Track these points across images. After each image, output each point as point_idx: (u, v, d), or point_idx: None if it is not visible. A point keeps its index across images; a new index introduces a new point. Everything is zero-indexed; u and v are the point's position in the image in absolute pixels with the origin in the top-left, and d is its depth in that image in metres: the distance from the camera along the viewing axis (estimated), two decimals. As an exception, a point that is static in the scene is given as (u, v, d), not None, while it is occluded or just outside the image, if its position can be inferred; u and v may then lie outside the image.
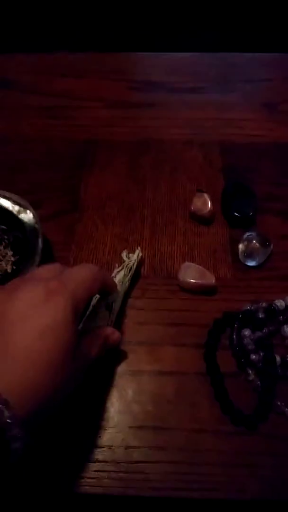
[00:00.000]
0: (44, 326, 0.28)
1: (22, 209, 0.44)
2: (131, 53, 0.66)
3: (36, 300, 0.29)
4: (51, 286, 0.30)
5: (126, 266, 0.43)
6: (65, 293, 0.30)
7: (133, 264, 0.44)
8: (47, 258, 0.44)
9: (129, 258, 0.44)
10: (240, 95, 0.62)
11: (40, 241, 0.41)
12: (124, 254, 0.45)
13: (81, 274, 0.33)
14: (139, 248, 0.45)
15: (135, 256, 0.44)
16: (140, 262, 0.45)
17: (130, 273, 0.43)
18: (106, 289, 0.37)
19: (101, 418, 0.36)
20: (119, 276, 0.43)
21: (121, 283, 0.42)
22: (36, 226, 0.42)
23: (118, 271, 0.43)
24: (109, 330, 0.37)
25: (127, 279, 0.43)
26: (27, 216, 0.43)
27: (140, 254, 0.45)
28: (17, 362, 0.27)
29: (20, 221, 0.43)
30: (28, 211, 0.43)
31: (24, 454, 0.26)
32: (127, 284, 0.42)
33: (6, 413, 0.24)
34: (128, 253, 0.45)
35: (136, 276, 0.44)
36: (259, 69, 0.65)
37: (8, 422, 0.24)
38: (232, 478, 0.34)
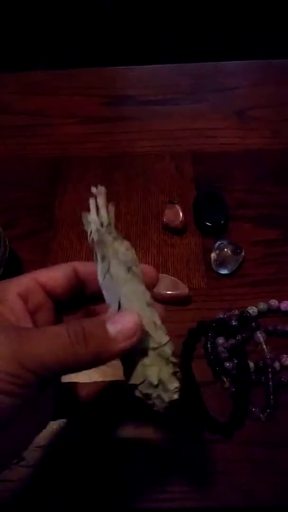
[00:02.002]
0: None
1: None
2: (101, 68, 0.67)
3: None
4: None
5: (96, 237, 0.26)
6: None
7: (104, 221, 0.27)
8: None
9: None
10: (209, 104, 0.63)
11: (1, 250, 0.41)
12: (84, 218, 0.27)
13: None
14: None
15: (100, 206, 0.27)
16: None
17: (113, 243, 0.26)
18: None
19: (78, 435, 0.37)
20: (100, 266, 0.25)
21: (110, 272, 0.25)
22: None
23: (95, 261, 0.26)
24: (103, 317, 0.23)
25: (112, 254, 0.26)
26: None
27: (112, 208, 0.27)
28: None
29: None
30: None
31: None
32: (124, 259, 0.26)
33: None
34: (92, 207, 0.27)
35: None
36: (227, 78, 0.66)
37: None
38: (209, 486, 0.34)
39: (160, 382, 0.23)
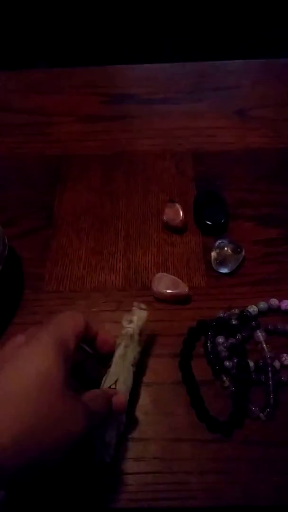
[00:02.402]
0: (27, 364, 0.27)
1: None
2: (101, 67, 0.67)
3: (18, 343, 0.29)
4: (31, 331, 0.30)
5: (125, 334, 0.37)
6: (45, 330, 0.30)
7: (134, 330, 0.37)
8: (16, 274, 0.45)
9: (131, 321, 0.38)
10: (210, 103, 0.63)
11: (0, 248, 0.41)
12: (124, 320, 0.38)
13: (59, 316, 0.32)
14: (142, 306, 0.39)
15: (135, 319, 0.38)
16: (144, 326, 0.38)
17: (133, 344, 0.37)
18: (97, 337, 0.34)
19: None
20: (119, 351, 0.36)
21: (123, 357, 0.36)
22: None
23: (118, 344, 0.36)
24: (114, 392, 0.33)
25: (129, 351, 0.36)
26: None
27: (145, 315, 0.38)
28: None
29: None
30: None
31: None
32: (132, 357, 0.36)
33: None
34: (131, 316, 0.38)
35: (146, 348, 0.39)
36: (228, 77, 0.66)
37: None
38: (209, 485, 0.34)
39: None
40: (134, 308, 0.39)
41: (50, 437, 0.26)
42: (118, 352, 0.36)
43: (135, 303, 0.39)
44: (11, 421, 0.25)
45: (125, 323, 0.38)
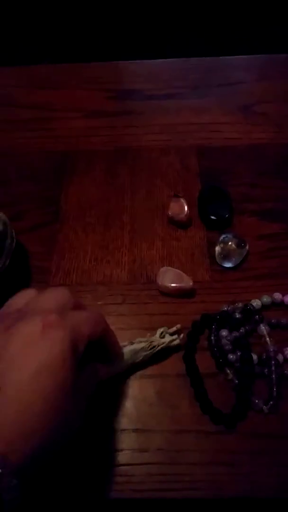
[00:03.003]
0: (40, 364, 0.27)
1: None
2: (106, 62, 0.67)
3: (32, 336, 0.28)
4: (49, 319, 0.28)
5: (151, 342, 0.39)
6: (63, 326, 0.28)
7: (159, 346, 0.39)
8: (23, 268, 0.46)
9: (162, 336, 0.40)
10: (215, 99, 0.63)
11: (8, 242, 0.42)
12: (159, 331, 0.41)
13: (82, 313, 0.32)
14: (179, 329, 0.41)
15: (166, 339, 0.40)
16: (176, 346, 0.40)
17: (150, 351, 0.39)
18: (107, 344, 0.34)
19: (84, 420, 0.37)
20: (136, 345, 0.39)
21: (133, 352, 0.39)
22: (3, 227, 0.43)
23: (140, 341, 0.39)
24: (97, 365, 0.34)
25: (143, 353, 0.39)
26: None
27: (177, 341, 0.40)
28: (11, 406, 0.25)
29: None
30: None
31: (22, 502, 0.25)
32: (140, 357, 0.39)
33: None
34: (169, 332, 0.41)
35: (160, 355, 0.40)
36: (232, 73, 0.66)
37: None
38: (212, 477, 0.35)
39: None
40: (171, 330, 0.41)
41: (54, 434, 0.27)
42: (133, 346, 0.38)
43: (178, 326, 0.41)
44: (16, 416, 0.25)
45: (158, 334, 0.40)
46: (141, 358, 0.39)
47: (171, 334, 0.40)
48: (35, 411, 0.26)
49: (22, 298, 0.33)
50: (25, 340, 0.28)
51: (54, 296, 0.32)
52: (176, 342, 0.40)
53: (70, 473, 0.35)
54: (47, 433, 0.26)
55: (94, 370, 0.33)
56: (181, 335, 0.40)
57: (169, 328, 0.41)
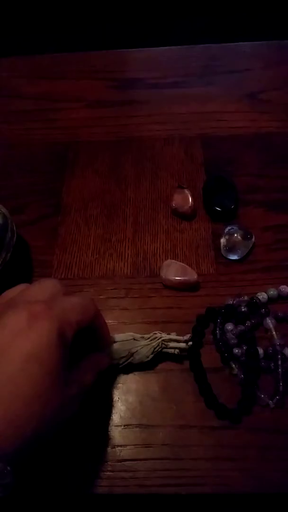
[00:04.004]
0: (27, 353, 0.27)
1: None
2: (108, 51, 0.66)
3: (19, 326, 0.28)
4: (35, 310, 0.28)
5: (156, 340, 0.38)
6: (49, 316, 0.28)
7: (160, 348, 0.38)
8: (25, 262, 0.45)
9: (165, 345, 0.38)
10: (221, 87, 0.61)
11: (8, 236, 0.41)
12: (172, 334, 0.39)
13: (70, 301, 0.31)
14: (188, 338, 0.39)
15: (171, 345, 0.38)
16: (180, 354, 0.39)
17: (151, 353, 0.38)
18: (97, 330, 0.34)
19: (86, 418, 0.37)
20: (140, 348, 0.38)
21: (134, 351, 0.38)
22: (3, 220, 0.42)
23: (145, 339, 0.38)
24: (98, 355, 0.35)
25: (144, 352, 0.38)
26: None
27: (183, 346, 0.38)
28: (0, 396, 0.26)
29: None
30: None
31: (15, 486, 0.25)
32: (140, 356, 0.38)
33: None
34: (177, 340, 0.39)
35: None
36: (238, 60, 0.64)
37: None
38: (218, 472, 0.34)
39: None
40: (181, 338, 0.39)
41: (46, 420, 0.27)
42: (138, 350, 0.38)
43: (187, 336, 0.39)
44: (6, 404, 0.26)
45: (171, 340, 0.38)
46: (139, 356, 0.38)
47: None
48: (25, 402, 0.26)
49: (12, 292, 0.33)
50: (13, 330, 0.28)
51: (43, 287, 0.32)
52: (177, 349, 0.39)
53: (75, 469, 0.35)
54: (38, 420, 0.27)
55: (94, 360, 0.34)
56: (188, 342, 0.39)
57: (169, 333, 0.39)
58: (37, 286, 0.33)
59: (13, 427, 0.25)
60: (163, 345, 0.38)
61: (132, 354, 0.38)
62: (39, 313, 0.28)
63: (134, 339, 0.38)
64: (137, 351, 0.38)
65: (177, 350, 0.38)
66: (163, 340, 0.38)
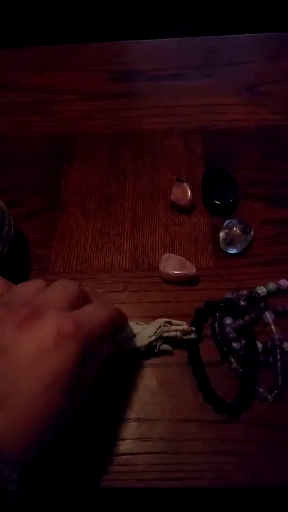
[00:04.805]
0: (52, 375, 0.26)
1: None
2: (107, 42, 0.65)
3: (46, 342, 0.27)
4: (64, 328, 0.27)
5: (161, 329, 0.38)
6: (78, 337, 0.28)
7: (162, 330, 0.38)
8: (22, 256, 0.45)
9: (167, 328, 0.38)
10: (220, 79, 0.61)
11: (5, 229, 0.41)
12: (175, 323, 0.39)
13: (98, 316, 0.31)
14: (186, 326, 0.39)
15: (173, 328, 0.38)
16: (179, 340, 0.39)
17: (153, 334, 0.38)
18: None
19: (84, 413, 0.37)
20: (144, 332, 0.38)
21: (137, 337, 0.38)
22: (0, 214, 0.42)
23: (166, 325, 0.38)
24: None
25: (148, 339, 0.38)
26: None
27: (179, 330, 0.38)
28: (16, 414, 0.25)
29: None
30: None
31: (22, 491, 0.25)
32: (143, 342, 0.38)
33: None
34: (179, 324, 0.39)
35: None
36: (239, 52, 0.63)
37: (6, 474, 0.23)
38: (216, 466, 0.34)
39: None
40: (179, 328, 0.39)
41: (57, 436, 0.27)
42: (142, 334, 0.38)
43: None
44: (22, 424, 0.25)
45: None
46: (143, 342, 0.38)
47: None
48: (43, 425, 0.26)
49: (29, 289, 0.32)
50: (38, 346, 0.27)
51: (64, 290, 0.31)
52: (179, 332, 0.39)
53: (73, 463, 0.35)
54: (52, 436, 0.27)
55: (98, 360, 0.33)
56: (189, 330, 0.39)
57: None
58: (58, 287, 0.32)
59: (27, 447, 0.25)
60: (165, 327, 0.38)
61: (135, 335, 0.38)
62: (68, 333, 0.27)
63: (136, 323, 0.39)
64: (139, 333, 0.38)
65: (179, 333, 0.38)
66: (165, 322, 0.38)
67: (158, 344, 0.38)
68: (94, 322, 0.30)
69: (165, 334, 0.38)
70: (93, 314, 0.31)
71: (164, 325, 0.38)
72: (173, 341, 0.38)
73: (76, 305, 0.31)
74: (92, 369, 0.30)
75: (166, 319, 0.38)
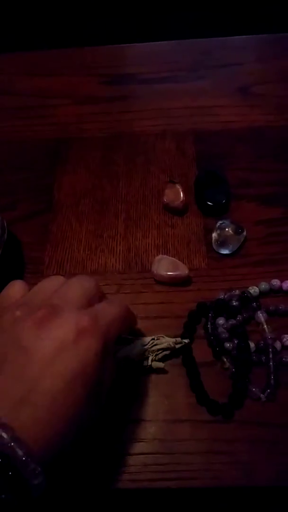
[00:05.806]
0: (72, 371, 0.27)
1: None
2: (100, 47, 0.65)
3: (65, 339, 0.28)
4: (82, 324, 0.28)
5: (165, 344, 0.38)
6: (96, 333, 0.28)
7: (154, 344, 0.38)
8: (16, 258, 0.45)
9: (159, 342, 0.39)
10: (212, 81, 0.61)
11: None
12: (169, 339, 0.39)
13: (112, 312, 0.31)
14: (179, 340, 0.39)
15: (165, 340, 0.39)
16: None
17: (151, 354, 0.38)
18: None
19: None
20: (138, 342, 0.38)
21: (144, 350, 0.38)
22: None
23: (158, 338, 0.38)
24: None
25: (154, 354, 0.38)
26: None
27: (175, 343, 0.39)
28: (40, 410, 0.26)
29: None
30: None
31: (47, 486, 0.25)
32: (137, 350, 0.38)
33: (20, 453, 0.24)
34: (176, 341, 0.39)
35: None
36: (230, 53, 0.64)
37: (24, 460, 0.24)
38: (209, 466, 0.34)
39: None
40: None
41: (80, 435, 0.28)
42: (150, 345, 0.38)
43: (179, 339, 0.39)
44: (46, 420, 0.26)
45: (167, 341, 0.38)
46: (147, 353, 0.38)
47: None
48: (65, 421, 0.26)
49: (47, 288, 0.32)
50: (58, 344, 0.27)
51: (82, 288, 0.32)
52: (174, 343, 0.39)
53: (66, 465, 0.35)
54: (74, 435, 0.27)
55: (114, 363, 0.33)
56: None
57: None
58: (76, 286, 0.32)
59: (50, 445, 0.26)
60: (157, 341, 0.38)
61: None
62: (86, 329, 0.28)
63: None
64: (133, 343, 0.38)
65: (172, 342, 0.38)
66: (157, 336, 0.39)
67: (151, 357, 0.38)
68: (109, 318, 0.31)
69: (157, 346, 0.38)
70: (107, 310, 0.31)
71: (156, 338, 0.38)
72: (167, 350, 0.38)
73: (93, 302, 0.32)
74: (110, 368, 0.31)
75: (158, 335, 0.39)
